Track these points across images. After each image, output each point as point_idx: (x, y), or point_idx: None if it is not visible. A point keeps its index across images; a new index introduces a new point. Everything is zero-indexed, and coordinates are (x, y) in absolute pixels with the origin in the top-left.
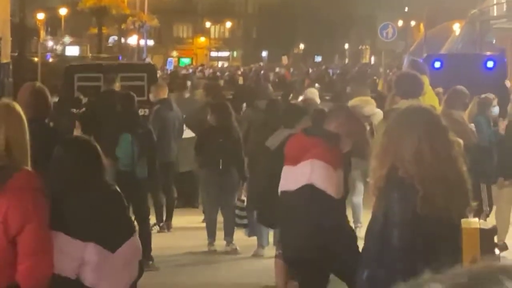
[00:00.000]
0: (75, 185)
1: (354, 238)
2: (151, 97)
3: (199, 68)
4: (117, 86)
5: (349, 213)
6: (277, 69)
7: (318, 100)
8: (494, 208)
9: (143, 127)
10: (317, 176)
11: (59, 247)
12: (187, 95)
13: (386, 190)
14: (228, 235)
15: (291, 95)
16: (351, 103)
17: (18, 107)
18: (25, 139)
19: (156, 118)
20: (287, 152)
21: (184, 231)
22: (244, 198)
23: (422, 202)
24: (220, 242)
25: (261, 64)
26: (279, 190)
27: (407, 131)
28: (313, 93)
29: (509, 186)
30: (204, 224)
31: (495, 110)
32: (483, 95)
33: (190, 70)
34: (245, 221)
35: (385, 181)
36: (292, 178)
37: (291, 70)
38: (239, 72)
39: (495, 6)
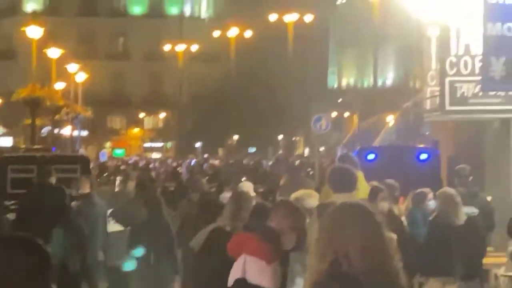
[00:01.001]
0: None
1: None
2: (74, 191)
3: (132, 159)
4: (52, 179)
5: None
6: (210, 161)
7: (252, 193)
8: None
9: (75, 221)
10: (249, 271)
11: None
12: (117, 188)
13: (327, 284)
14: None
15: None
16: (294, 195)
17: None
18: None
19: (83, 214)
20: (229, 248)
21: None
22: None
23: None
24: None
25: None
26: None
27: (345, 227)
28: (247, 186)
29: (428, 284)
30: None
31: (431, 204)
32: (418, 190)
33: (130, 161)
34: None
35: (326, 276)
36: (231, 274)
37: (224, 161)
38: (175, 164)
39: (428, 100)
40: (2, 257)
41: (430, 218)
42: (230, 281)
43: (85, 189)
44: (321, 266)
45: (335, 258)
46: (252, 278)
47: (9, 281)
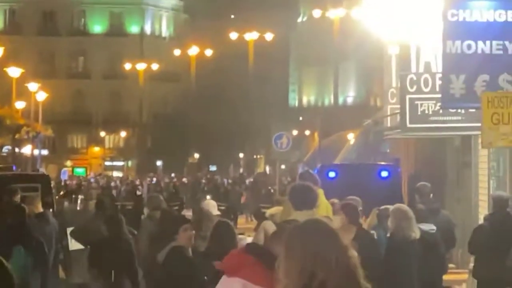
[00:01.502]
0: None
1: None
2: (28, 210)
3: (93, 178)
4: (17, 197)
5: None
6: (166, 180)
7: (215, 212)
8: None
9: (36, 240)
10: None
11: None
12: (79, 206)
13: None
14: None
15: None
16: (270, 211)
17: None
18: None
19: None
20: (223, 263)
21: None
22: None
23: None
24: None
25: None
26: None
27: (313, 246)
28: (209, 204)
29: None
30: None
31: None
32: (382, 207)
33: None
34: None
35: None
36: None
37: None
38: (137, 182)
39: (388, 117)
40: None
41: (388, 235)
42: None
43: (38, 208)
44: (293, 283)
45: (307, 278)
46: None
47: None
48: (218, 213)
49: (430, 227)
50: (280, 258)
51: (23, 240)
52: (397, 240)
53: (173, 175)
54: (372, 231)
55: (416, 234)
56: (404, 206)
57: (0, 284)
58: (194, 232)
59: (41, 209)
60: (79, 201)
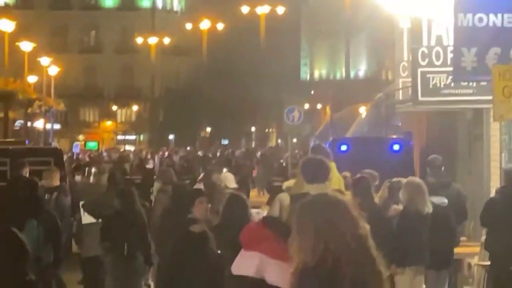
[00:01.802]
0: None
1: None
2: (45, 183)
3: (106, 152)
4: (25, 171)
5: None
6: (181, 153)
7: (232, 185)
8: None
9: (48, 213)
10: (272, 274)
11: None
12: (92, 180)
13: (312, 274)
14: None
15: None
16: (286, 184)
17: None
18: None
19: (56, 206)
20: (241, 237)
21: None
22: (150, 282)
23: (350, 285)
24: None
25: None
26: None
27: (328, 220)
28: (227, 178)
29: (402, 274)
30: None
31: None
32: (393, 179)
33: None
34: None
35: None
36: (239, 263)
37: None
38: (149, 156)
39: (400, 91)
40: None
41: (401, 208)
42: (241, 271)
43: (56, 181)
44: (307, 259)
45: (322, 251)
46: (274, 281)
47: None
48: (235, 186)
49: (441, 200)
50: (292, 234)
51: (35, 213)
52: (410, 214)
53: (188, 148)
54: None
55: (429, 209)
56: (418, 179)
57: (15, 254)
58: (210, 205)
59: (58, 182)
60: (91, 175)
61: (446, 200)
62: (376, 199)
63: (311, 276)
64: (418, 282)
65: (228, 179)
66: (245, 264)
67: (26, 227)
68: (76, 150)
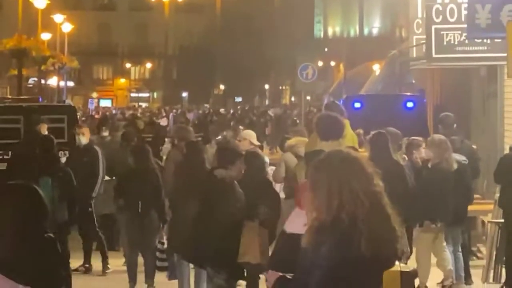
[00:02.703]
0: (14, 231)
1: None
2: (83, 140)
3: (118, 110)
4: (42, 127)
5: None
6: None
7: (255, 142)
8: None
9: (63, 170)
10: None
11: None
12: (107, 137)
13: (328, 231)
14: (149, 278)
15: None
16: (289, 142)
17: None
18: None
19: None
20: (295, 195)
21: (101, 275)
22: (164, 240)
23: (366, 242)
24: (141, 285)
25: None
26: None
27: (343, 177)
28: (250, 134)
29: (429, 231)
30: (125, 267)
31: (423, 152)
32: (412, 138)
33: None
34: (165, 264)
35: (329, 224)
36: (293, 221)
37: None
38: (164, 113)
39: (414, 48)
40: (4, 203)
41: (429, 165)
42: (290, 230)
43: (87, 138)
44: (322, 216)
45: (336, 208)
46: None
47: (11, 224)
48: (258, 143)
49: (462, 157)
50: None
51: (50, 170)
52: (440, 171)
53: (207, 105)
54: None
55: (455, 165)
56: (442, 136)
57: (35, 212)
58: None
59: (88, 140)
60: (106, 133)
61: (465, 158)
62: (400, 158)
63: (328, 233)
64: (440, 240)
65: (252, 136)
66: (297, 222)
67: (41, 184)
68: (91, 106)
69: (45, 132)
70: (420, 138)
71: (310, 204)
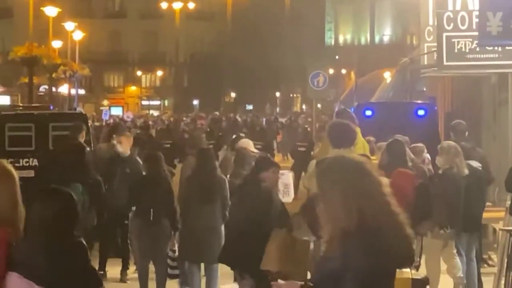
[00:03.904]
0: (46, 234)
1: None
2: (120, 149)
3: (131, 117)
4: (81, 136)
5: None
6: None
7: (253, 150)
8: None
9: (93, 177)
10: None
11: None
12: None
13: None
14: (160, 286)
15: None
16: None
17: None
18: None
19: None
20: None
21: (116, 281)
22: (176, 248)
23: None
24: None
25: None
26: None
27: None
28: (246, 143)
29: (438, 237)
30: (136, 275)
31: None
32: (413, 145)
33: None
34: (176, 272)
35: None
36: None
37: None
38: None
39: (425, 55)
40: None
41: (440, 171)
42: None
43: (127, 149)
44: (343, 224)
45: (358, 213)
46: None
47: (44, 226)
48: (256, 150)
49: (476, 164)
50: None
51: (81, 178)
52: (450, 177)
53: (217, 113)
54: None
55: (466, 171)
56: (453, 143)
57: (69, 215)
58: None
59: (129, 151)
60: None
61: (480, 164)
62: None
63: (355, 240)
64: (449, 247)
65: (250, 144)
66: None
67: (72, 190)
68: (105, 117)
69: (82, 139)
70: (421, 144)
71: (325, 213)
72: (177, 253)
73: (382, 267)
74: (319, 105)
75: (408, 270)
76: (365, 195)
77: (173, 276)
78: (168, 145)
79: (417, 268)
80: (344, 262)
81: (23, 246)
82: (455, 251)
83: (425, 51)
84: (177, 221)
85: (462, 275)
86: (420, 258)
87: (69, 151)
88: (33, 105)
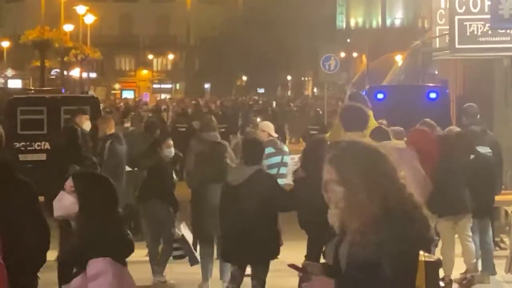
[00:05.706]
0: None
1: None
2: (101, 131)
3: (143, 100)
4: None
5: None
6: (218, 102)
7: (273, 133)
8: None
9: (89, 159)
10: None
11: None
12: (131, 128)
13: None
14: (161, 266)
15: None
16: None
17: None
18: None
19: (112, 154)
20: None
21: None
22: (177, 230)
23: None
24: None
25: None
26: None
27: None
28: (267, 126)
29: (446, 221)
30: (147, 258)
31: None
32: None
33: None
34: (179, 252)
35: (381, 216)
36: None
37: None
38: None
39: (437, 38)
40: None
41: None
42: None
43: (111, 129)
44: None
45: (382, 197)
46: None
47: None
48: (275, 134)
49: (486, 149)
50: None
51: (77, 160)
52: (452, 162)
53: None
54: None
55: (471, 156)
56: (457, 128)
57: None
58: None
59: (112, 130)
60: (129, 123)
61: (490, 150)
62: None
63: (387, 226)
64: (463, 228)
65: (270, 128)
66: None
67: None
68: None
69: (84, 122)
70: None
71: (346, 200)
72: (181, 233)
73: (415, 251)
74: (330, 89)
75: (421, 252)
76: (386, 179)
77: (177, 257)
78: (184, 129)
79: (436, 245)
80: (380, 249)
81: None
82: (470, 233)
83: (437, 34)
84: (176, 202)
85: (475, 261)
86: (439, 237)
87: (60, 134)
88: (45, 88)
